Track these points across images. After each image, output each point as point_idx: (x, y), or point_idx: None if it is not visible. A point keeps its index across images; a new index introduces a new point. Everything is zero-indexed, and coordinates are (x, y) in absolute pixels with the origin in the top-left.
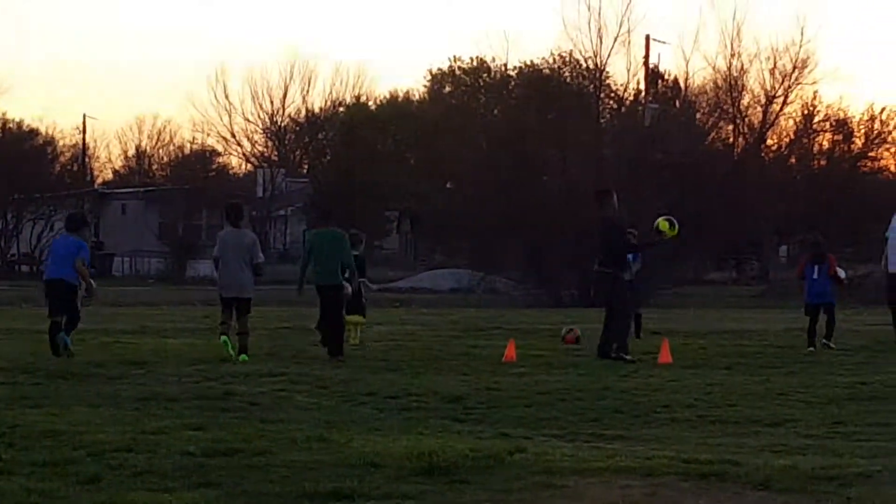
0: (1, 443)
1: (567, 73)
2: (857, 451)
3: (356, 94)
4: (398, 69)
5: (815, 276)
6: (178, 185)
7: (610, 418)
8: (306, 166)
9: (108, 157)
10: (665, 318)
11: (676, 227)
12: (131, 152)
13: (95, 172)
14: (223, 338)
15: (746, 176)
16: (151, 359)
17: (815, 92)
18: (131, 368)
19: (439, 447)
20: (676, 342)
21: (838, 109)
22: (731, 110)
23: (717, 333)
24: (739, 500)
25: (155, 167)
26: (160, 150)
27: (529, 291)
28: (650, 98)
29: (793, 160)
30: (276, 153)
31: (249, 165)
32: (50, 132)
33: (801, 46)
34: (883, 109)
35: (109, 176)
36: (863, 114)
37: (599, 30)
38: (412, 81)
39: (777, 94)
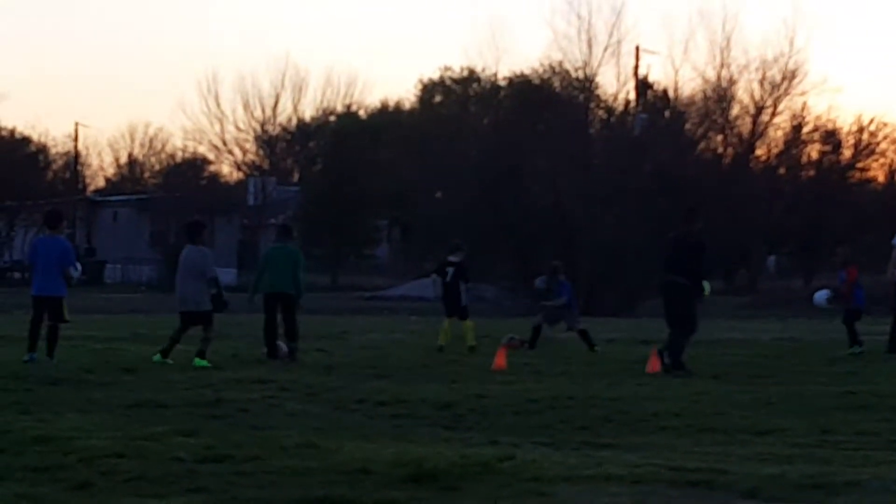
0: None
1: (556, 83)
2: (844, 459)
3: (347, 103)
4: (389, 78)
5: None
6: (169, 192)
7: (599, 426)
8: (297, 175)
9: (101, 165)
10: (652, 327)
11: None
12: (123, 160)
13: (87, 180)
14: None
15: (735, 186)
16: (142, 365)
17: (804, 103)
18: (122, 375)
19: (429, 454)
20: None
21: (827, 120)
22: (720, 121)
23: (705, 343)
24: None
25: (147, 175)
26: (152, 158)
27: (518, 300)
28: (639, 108)
29: (782, 171)
30: (267, 161)
31: (241, 173)
32: (42, 140)
33: (790, 57)
34: (871, 120)
35: (101, 183)
36: (851, 125)
37: (589, 40)
38: (403, 91)
39: (766, 105)
